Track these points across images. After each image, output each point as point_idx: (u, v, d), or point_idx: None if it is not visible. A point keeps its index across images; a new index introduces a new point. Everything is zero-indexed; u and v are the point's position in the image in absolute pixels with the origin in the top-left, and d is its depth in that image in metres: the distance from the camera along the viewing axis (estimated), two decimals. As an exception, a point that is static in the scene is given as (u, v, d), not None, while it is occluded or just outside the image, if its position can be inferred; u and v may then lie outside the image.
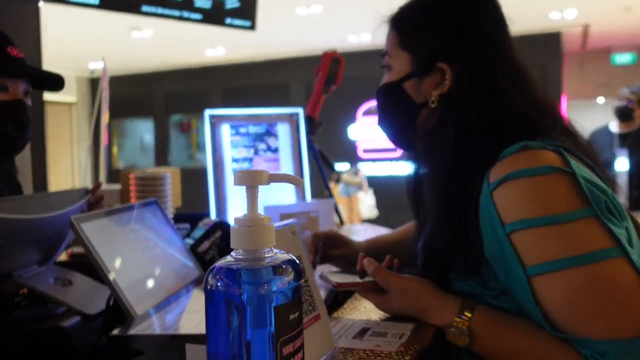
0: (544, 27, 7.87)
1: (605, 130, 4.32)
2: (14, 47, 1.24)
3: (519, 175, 0.83)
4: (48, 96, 6.33)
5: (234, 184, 0.53)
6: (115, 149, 11.87)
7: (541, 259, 0.80)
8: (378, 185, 8.72)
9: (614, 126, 4.27)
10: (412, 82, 1.04)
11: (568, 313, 0.79)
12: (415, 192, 1.14)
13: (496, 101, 0.96)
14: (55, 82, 1.30)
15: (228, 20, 3.68)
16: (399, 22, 1.08)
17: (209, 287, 0.50)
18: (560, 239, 0.80)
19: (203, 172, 1.94)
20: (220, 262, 0.51)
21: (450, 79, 1.00)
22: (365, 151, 9.27)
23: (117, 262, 1.00)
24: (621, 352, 0.75)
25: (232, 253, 0.52)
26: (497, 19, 1.04)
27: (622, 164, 4.08)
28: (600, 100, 9.29)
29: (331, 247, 1.29)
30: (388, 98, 1.09)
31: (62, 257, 1.52)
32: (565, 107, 8.64)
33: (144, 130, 11.85)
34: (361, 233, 1.85)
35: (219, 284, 0.49)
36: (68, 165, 11.23)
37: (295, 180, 0.56)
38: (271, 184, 0.54)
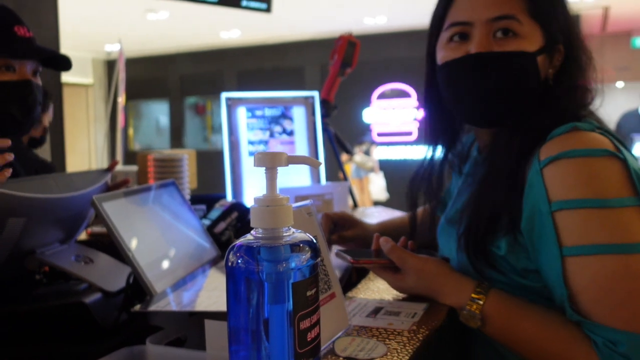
0: (563, 10, 7.73)
1: (634, 113, 4.30)
2: (22, 26, 1.22)
3: (572, 155, 0.84)
4: (65, 78, 6.38)
5: (254, 166, 0.55)
6: (131, 131, 11.96)
7: (581, 240, 0.81)
8: (392, 169, 8.71)
9: None
10: (543, 56, 0.98)
11: (594, 297, 0.79)
12: (432, 175, 1.15)
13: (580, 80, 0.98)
14: (64, 62, 1.30)
15: (244, 3, 3.67)
16: None
17: (229, 264, 0.52)
18: (604, 223, 0.80)
19: (217, 154, 1.96)
20: (241, 240, 0.53)
21: (561, 59, 0.99)
22: (379, 135, 9.25)
23: (137, 241, 1.02)
24: (636, 345, 0.75)
25: (252, 232, 0.54)
26: None
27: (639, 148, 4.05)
28: (620, 84, 9.16)
29: (344, 228, 1.31)
30: (519, 68, 0.97)
31: (82, 236, 1.56)
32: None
33: (159, 112, 11.92)
34: (375, 215, 1.86)
35: (239, 261, 0.51)
36: (84, 147, 11.34)
37: (312, 162, 0.57)
38: (288, 166, 0.56)
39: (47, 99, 2.98)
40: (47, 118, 3.03)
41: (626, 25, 8.76)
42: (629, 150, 0.91)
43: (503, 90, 0.98)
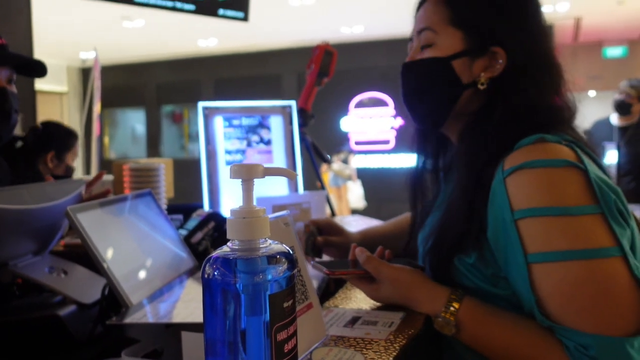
0: (536, 20, 7.87)
1: (605, 122, 4.39)
2: None
3: (534, 165, 0.86)
4: (39, 85, 6.29)
5: (230, 178, 0.55)
6: (106, 139, 11.83)
7: (544, 247, 0.82)
8: (369, 177, 8.75)
9: (614, 119, 4.31)
10: (463, 60, 1.01)
11: (560, 303, 0.81)
12: (416, 183, 1.16)
13: (538, 91, 0.98)
14: (38, 69, 1.29)
15: (221, 12, 3.67)
16: None
17: (206, 276, 0.51)
18: (566, 230, 0.82)
19: (195, 162, 1.95)
20: (217, 252, 0.53)
21: (503, 64, 1.00)
22: (357, 143, 9.29)
23: (112, 252, 1.01)
24: (605, 347, 0.77)
25: (229, 243, 0.54)
26: (540, 7, 1.05)
27: (611, 156, 4.13)
28: (592, 93, 9.34)
29: (329, 234, 1.33)
30: (431, 73, 1.04)
31: (57, 247, 1.53)
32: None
33: (135, 121, 11.81)
34: (353, 224, 1.87)
35: (215, 273, 0.51)
36: (59, 155, 11.14)
37: (288, 173, 0.58)
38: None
39: (72, 138, 2.94)
40: (72, 157, 2.96)
41: (597, 35, 8.96)
42: (597, 161, 0.93)
43: (419, 93, 1.08)
